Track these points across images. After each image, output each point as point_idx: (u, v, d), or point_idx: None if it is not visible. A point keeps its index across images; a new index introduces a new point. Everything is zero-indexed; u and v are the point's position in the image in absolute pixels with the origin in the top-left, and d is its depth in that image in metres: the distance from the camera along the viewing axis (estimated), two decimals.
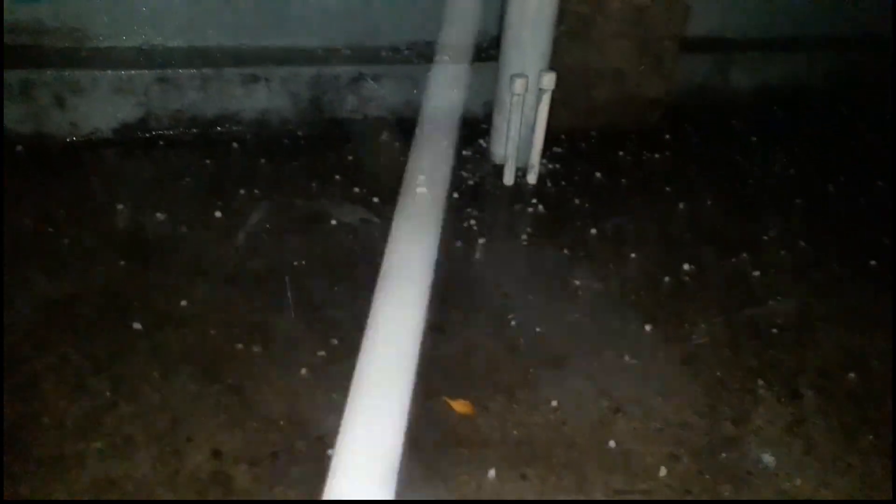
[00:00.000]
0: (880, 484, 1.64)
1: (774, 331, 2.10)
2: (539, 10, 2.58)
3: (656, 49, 3.14)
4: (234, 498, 1.49)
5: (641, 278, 2.30)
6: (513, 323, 2.05)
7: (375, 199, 2.58)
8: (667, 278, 2.31)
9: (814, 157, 3.20)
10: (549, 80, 2.60)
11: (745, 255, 2.45)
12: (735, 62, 3.54)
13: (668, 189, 2.85)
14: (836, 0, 3.69)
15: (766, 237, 2.57)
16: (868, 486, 1.63)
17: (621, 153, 3.11)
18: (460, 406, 1.74)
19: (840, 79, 3.79)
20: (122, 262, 2.16)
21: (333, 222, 2.45)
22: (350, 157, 2.86)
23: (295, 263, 2.22)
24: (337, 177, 2.71)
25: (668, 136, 3.29)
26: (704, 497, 1.58)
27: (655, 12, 3.03)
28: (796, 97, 3.69)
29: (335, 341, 1.91)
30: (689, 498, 1.57)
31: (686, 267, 2.35)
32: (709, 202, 2.77)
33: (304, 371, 1.82)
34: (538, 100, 2.66)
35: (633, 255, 2.42)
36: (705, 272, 2.36)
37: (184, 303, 2.01)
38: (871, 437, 1.75)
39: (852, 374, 1.95)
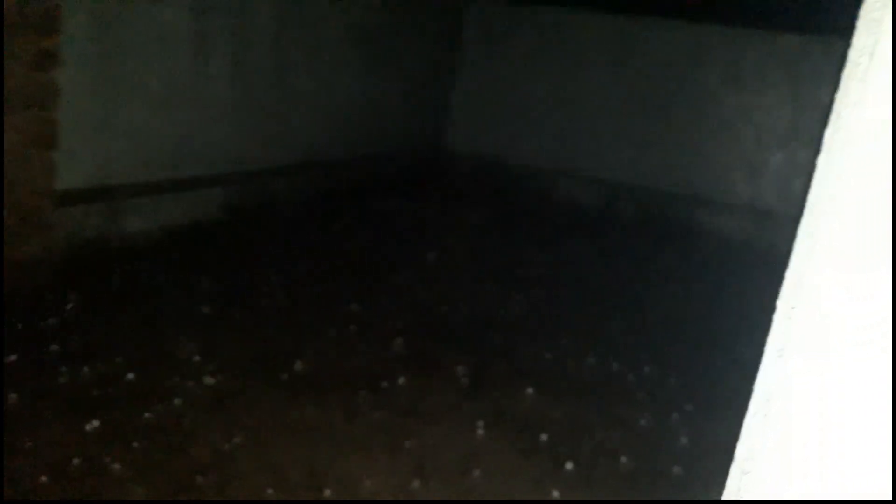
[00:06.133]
0: None
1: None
2: None
3: (25, 204, 2.82)
4: None
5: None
6: None
7: None
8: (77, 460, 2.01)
9: (212, 290, 3.32)
10: None
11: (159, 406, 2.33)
12: (125, 209, 3.47)
13: (62, 368, 2.53)
14: (227, 143, 4.03)
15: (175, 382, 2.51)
16: None
17: (6, 327, 2.67)
18: None
19: (235, 210, 4.10)
20: None
21: None
22: None
23: None
24: None
25: (71, 295, 2.98)
26: None
27: (13, 167, 2.73)
28: (195, 233, 3.82)
29: None
30: None
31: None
32: (119, 359, 2.56)
33: None
34: None
35: (28, 443, 2.05)
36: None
37: None
38: None
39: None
